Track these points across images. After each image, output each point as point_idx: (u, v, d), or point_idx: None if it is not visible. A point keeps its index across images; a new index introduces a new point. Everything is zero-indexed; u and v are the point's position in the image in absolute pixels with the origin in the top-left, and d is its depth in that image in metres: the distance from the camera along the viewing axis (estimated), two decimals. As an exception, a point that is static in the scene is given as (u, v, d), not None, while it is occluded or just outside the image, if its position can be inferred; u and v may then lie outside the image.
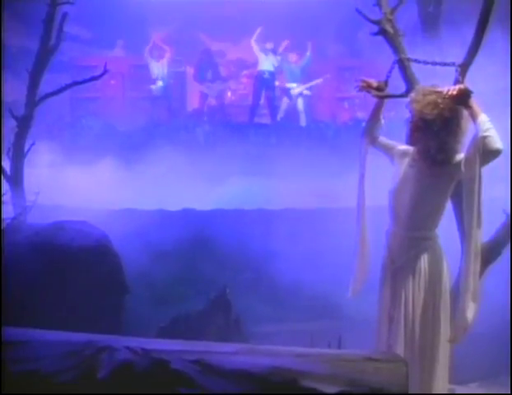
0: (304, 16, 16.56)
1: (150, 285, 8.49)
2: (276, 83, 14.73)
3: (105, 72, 8.25)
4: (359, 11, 5.60)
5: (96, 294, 7.27)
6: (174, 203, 9.13)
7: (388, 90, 5.13)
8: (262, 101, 14.22)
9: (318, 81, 14.96)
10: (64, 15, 9.14)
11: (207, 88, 14.41)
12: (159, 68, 14.92)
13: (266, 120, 14.08)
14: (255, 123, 13.41)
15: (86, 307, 7.13)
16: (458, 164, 4.56)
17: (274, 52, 14.34)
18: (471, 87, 4.53)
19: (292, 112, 14.72)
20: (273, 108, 14.03)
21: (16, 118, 8.06)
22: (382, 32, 5.47)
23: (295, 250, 8.40)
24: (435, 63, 4.92)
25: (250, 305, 8.17)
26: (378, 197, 5.16)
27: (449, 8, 8.51)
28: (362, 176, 5.23)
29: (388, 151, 5.10)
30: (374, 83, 5.08)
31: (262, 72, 14.07)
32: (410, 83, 5.34)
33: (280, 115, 14.51)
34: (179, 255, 8.77)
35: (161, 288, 8.52)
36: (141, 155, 10.95)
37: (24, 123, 8.22)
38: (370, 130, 5.21)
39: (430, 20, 7.91)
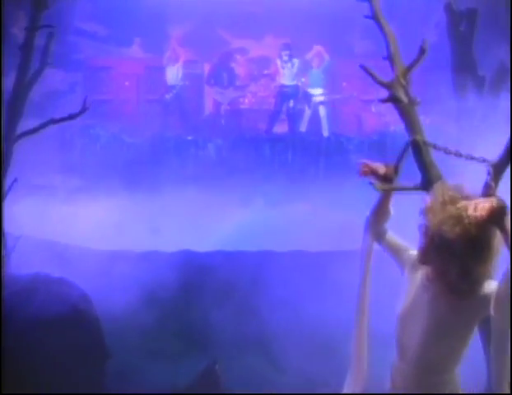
0: (327, 12, 15.29)
1: (141, 337, 7.43)
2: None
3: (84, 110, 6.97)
4: (364, 68, 4.36)
5: (73, 363, 6.23)
6: (171, 243, 7.99)
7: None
8: (283, 116, 13.02)
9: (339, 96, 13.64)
10: (51, 35, 8.01)
11: (219, 95, 13.13)
12: (173, 73, 13.69)
13: (283, 128, 12.79)
14: (273, 136, 12.13)
15: (62, 379, 6.11)
16: (487, 298, 3.29)
17: (291, 57, 12.99)
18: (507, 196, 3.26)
19: (314, 121, 13.39)
20: (293, 122, 12.77)
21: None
22: (393, 99, 4.19)
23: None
24: (459, 155, 3.61)
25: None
26: (383, 310, 3.95)
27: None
28: (363, 282, 4.00)
29: (397, 254, 3.76)
30: (381, 169, 3.77)
31: (282, 87, 12.88)
32: (428, 174, 4.04)
33: (303, 126, 13.23)
34: (174, 303, 7.68)
35: (152, 341, 7.44)
36: (142, 182, 9.83)
37: (3, 161, 7.11)
38: (375, 223, 3.94)
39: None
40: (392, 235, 3.90)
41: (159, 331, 7.54)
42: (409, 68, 4.26)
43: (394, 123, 14.35)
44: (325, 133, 13.19)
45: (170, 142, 11.52)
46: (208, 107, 14.20)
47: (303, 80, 13.25)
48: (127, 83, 14.80)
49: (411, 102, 4.16)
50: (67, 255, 7.78)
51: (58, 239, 8.27)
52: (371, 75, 4.27)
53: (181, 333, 7.57)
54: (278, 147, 11.32)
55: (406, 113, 4.19)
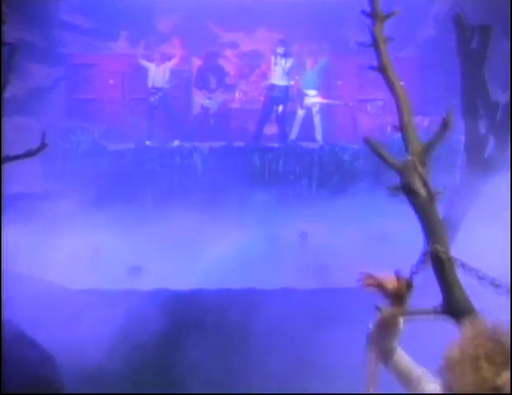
0: (322, 4, 14.40)
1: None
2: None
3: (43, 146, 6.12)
4: (368, 143, 3.52)
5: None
6: (150, 280, 7.20)
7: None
8: (273, 119, 11.90)
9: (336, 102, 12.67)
10: (14, 49, 7.17)
11: (207, 100, 12.15)
12: (159, 75, 12.74)
13: (273, 135, 11.80)
14: (262, 145, 11.13)
15: None
16: None
17: (286, 55, 11.97)
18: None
19: (307, 124, 12.47)
20: (284, 126, 11.74)
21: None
22: (406, 189, 3.27)
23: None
24: (482, 278, 2.74)
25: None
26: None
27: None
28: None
29: (407, 383, 2.88)
30: (390, 282, 2.88)
31: (273, 88, 11.77)
32: (451, 296, 3.10)
33: (294, 130, 12.30)
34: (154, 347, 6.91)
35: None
36: (122, 201, 9.00)
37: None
38: (379, 340, 3.05)
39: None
40: (402, 356, 2.98)
41: (136, 376, 6.80)
42: (429, 147, 3.28)
43: (392, 127, 13.50)
44: (318, 137, 12.31)
45: (154, 152, 10.66)
46: (196, 108, 13.28)
47: (296, 78, 12.29)
48: (111, 81, 13.91)
49: (431, 195, 3.15)
50: (39, 292, 7.00)
51: (30, 272, 7.48)
52: (379, 154, 3.34)
53: (161, 379, 6.83)
54: (268, 157, 10.48)
55: (422, 211, 3.19)
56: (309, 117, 12.45)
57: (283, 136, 11.42)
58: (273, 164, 10.33)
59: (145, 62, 12.70)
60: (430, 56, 14.25)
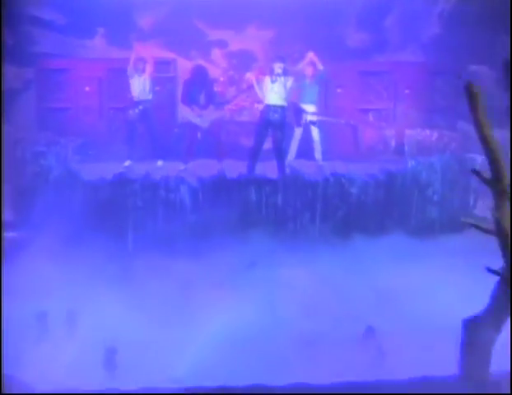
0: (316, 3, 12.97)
1: None
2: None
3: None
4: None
5: None
6: (129, 379, 5.80)
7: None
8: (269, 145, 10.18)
9: (336, 120, 11.13)
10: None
11: (198, 118, 10.56)
12: (139, 86, 11.14)
13: (269, 163, 10.21)
14: (258, 176, 9.53)
15: None
16: None
17: (285, 73, 10.22)
18: None
19: (305, 143, 10.98)
20: (282, 160, 9.94)
21: None
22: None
23: None
24: None
25: None
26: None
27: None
28: None
29: None
30: None
31: (268, 110, 10.01)
32: None
33: (292, 151, 10.80)
34: None
35: None
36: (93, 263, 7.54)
37: None
38: None
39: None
40: None
41: None
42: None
43: (395, 137, 12.21)
44: (318, 156, 10.86)
45: (135, 185, 9.18)
46: (183, 124, 11.75)
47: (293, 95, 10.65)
48: (87, 88, 12.34)
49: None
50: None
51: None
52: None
53: None
54: (265, 190, 9.06)
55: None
56: (307, 134, 10.99)
57: (282, 168, 9.77)
58: (270, 199, 8.94)
59: (132, 71, 11.10)
60: (435, 57, 12.83)
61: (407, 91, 12.29)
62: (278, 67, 9.95)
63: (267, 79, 10.16)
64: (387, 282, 7.68)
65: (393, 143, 12.03)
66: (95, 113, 12.27)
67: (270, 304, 6.97)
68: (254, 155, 9.74)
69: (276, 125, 9.76)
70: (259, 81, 10.27)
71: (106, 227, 8.59)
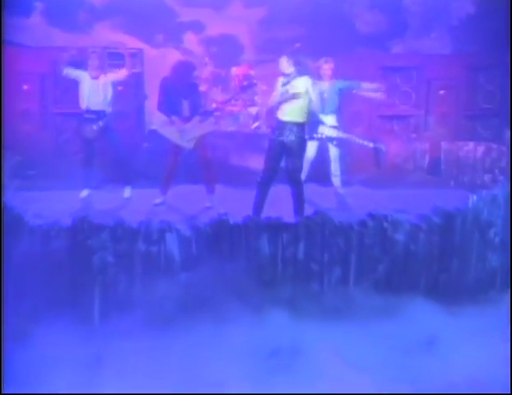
0: None
1: None
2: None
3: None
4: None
5: None
6: None
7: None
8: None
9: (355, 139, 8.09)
10: None
11: (178, 132, 7.27)
12: (98, 90, 7.83)
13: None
14: (271, 223, 6.39)
15: None
16: None
17: (300, 73, 6.92)
18: None
19: (319, 165, 7.90)
20: (301, 203, 6.55)
21: None
22: None
23: None
24: None
25: None
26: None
27: None
28: None
29: None
30: None
31: (282, 127, 6.53)
32: None
33: (303, 172, 7.67)
34: None
35: None
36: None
37: None
38: None
39: None
40: None
41: None
42: None
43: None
44: (336, 182, 7.94)
45: (104, 232, 6.15)
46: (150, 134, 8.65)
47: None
48: (25, 86, 9.01)
49: None
50: None
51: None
52: None
53: None
54: (282, 239, 6.21)
55: None
56: (322, 152, 8.05)
57: (300, 208, 6.52)
58: (286, 251, 6.11)
59: (72, 71, 7.82)
60: (470, 43, 10.19)
61: (441, 92, 9.55)
62: (288, 67, 6.78)
63: (279, 82, 7.05)
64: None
65: (426, 160, 9.33)
66: (36, 121, 9.01)
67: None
68: (260, 200, 6.58)
69: (291, 148, 6.64)
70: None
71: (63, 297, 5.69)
